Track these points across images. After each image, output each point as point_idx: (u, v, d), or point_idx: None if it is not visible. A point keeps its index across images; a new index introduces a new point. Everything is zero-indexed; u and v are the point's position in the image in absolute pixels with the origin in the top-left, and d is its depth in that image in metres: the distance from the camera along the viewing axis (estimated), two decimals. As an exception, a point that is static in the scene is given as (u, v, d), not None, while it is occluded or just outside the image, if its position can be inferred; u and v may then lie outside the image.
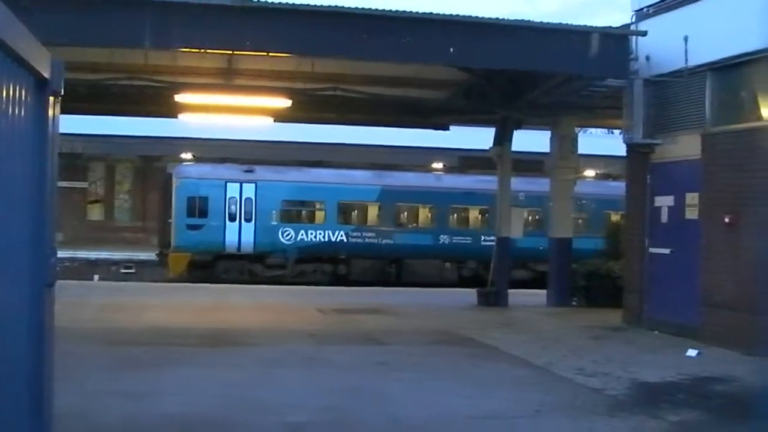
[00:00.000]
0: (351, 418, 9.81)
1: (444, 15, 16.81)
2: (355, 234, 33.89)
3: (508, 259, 24.16)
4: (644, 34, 18.03)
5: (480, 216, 34.76)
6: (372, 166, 38.19)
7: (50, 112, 5.66)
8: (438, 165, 41.75)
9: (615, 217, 30.73)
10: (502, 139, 23.73)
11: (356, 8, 16.67)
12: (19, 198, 5.12)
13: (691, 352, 14.84)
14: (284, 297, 23.75)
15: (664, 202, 17.92)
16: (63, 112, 5.94)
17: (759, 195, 14.41)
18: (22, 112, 5.07)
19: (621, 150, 20.09)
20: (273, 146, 38.53)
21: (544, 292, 23.91)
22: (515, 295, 23.60)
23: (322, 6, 16.14)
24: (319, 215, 34.56)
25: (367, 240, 33.85)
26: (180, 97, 20.69)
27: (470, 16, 16.96)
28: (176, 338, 15.24)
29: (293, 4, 16.11)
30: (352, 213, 35.36)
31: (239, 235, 32.66)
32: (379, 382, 11.92)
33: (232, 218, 32.69)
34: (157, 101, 22.24)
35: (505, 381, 12.38)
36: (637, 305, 18.59)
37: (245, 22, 16.14)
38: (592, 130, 42.77)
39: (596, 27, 18.01)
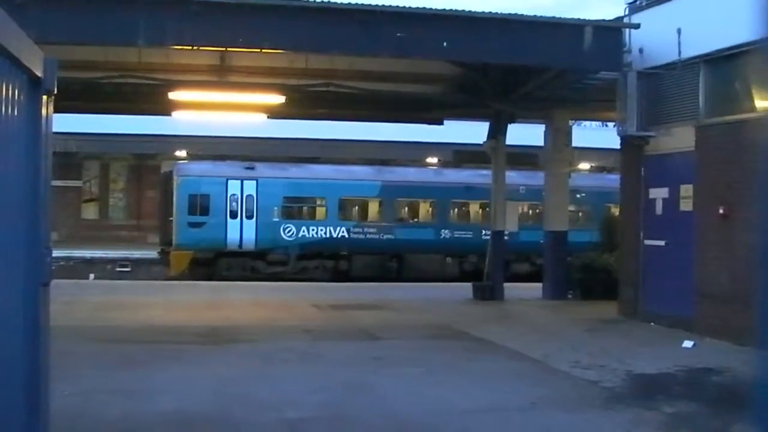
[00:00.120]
0: (348, 414, 9.82)
1: (437, 10, 16.80)
2: (356, 230, 33.88)
3: (503, 252, 24.17)
4: (637, 26, 18.03)
5: (481, 210, 34.73)
6: (366, 162, 38.18)
7: (44, 111, 5.64)
8: (432, 160, 41.72)
9: (616, 210, 30.80)
10: (497, 132, 23.73)
11: (349, 4, 16.67)
12: (13, 197, 5.11)
13: (687, 344, 14.88)
14: (280, 293, 23.74)
15: (659, 194, 17.95)
16: (57, 110, 5.93)
17: (752, 186, 14.40)
18: (16, 111, 5.06)
19: (615, 142, 20.09)
20: (267, 143, 38.51)
21: (539, 285, 23.93)
22: (511, 288, 23.62)
23: (314, 2, 16.16)
24: (320, 211, 34.53)
25: (368, 236, 33.84)
26: (174, 95, 20.68)
27: (463, 11, 16.99)
28: (172, 336, 15.25)
29: (286, 0, 16.12)
30: (353, 209, 35.35)
31: (241, 232, 32.64)
32: (375, 378, 11.93)
33: (234, 215, 32.65)
34: (150, 99, 22.22)
35: (502, 374, 12.40)
36: (633, 298, 18.62)
37: (238, 18, 16.13)
38: (587, 122, 42.73)
39: (589, 20, 18.02)
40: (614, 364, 12.96)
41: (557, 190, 24.24)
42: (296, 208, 34.55)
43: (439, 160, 41.00)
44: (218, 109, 22.41)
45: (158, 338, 14.96)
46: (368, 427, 9.36)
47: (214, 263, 32.28)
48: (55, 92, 5.79)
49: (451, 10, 16.87)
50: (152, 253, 36.21)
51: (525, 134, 26.70)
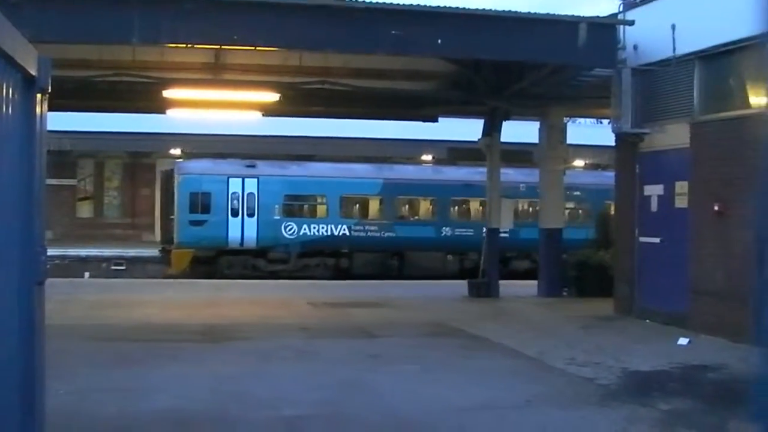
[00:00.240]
0: (344, 411, 9.82)
1: (432, 7, 16.79)
2: (357, 228, 33.87)
3: (498, 250, 24.17)
4: (632, 23, 18.04)
5: (481, 208, 34.66)
6: (362, 159, 38.13)
7: (38, 110, 5.63)
8: (427, 157, 41.72)
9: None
10: (491, 130, 23.75)
11: (344, 2, 16.66)
12: (7, 196, 5.10)
13: (682, 341, 14.90)
14: (277, 291, 23.74)
15: (654, 191, 17.96)
16: (51, 109, 5.92)
17: (748, 183, 14.44)
18: (10, 110, 5.05)
19: (610, 139, 20.12)
20: (262, 140, 38.49)
21: (535, 282, 23.94)
22: (506, 286, 23.65)
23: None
24: (321, 209, 34.55)
25: (369, 233, 33.84)
26: (168, 93, 20.65)
27: (458, 8, 16.96)
28: (168, 334, 15.24)
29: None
30: (354, 207, 35.38)
31: (242, 230, 32.62)
32: (372, 375, 11.93)
33: (235, 213, 32.64)
34: (145, 97, 22.20)
35: (497, 371, 12.41)
36: (628, 295, 18.64)
37: (232, 16, 16.11)
38: (581, 119, 42.76)
39: (584, 17, 18.01)
40: (610, 361, 12.98)
41: (552, 188, 24.24)
42: (297, 206, 34.56)
43: (433, 157, 40.99)
44: (213, 107, 22.39)
45: (154, 336, 14.96)
46: (365, 425, 9.35)
47: (216, 261, 32.29)
48: (50, 90, 5.78)
49: (445, 7, 16.86)
50: (147, 251, 36.21)
51: (520, 131, 26.72)
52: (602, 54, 18.21)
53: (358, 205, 35.47)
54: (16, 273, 5.29)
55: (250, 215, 32.69)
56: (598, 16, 19.39)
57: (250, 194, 32.83)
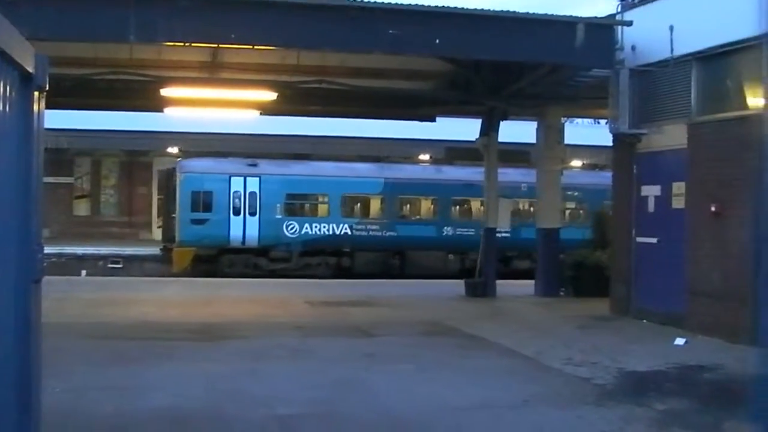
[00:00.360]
0: (339, 411, 9.81)
1: (430, 6, 16.79)
2: (359, 227, 33.90)
3: (495, 249, 24.17)
4: (629, 24, 18.04)
5: (483, 207, 34.77)
6: (359, 159, 38.15)
7: (35, 108, 5.62)
8: (425, 157, 41.72)
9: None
10: (489, 129, 23.75)
11: (342, 0, 16.65)
12: (4, 194, 5.09)
13: (679, 341, 14.90)
14: (273, 290, 23.73)
15: (651, 191, 17.97)
16: (48, 107, 5.90)
17: (745, 184, 14.45)
18: (7, 108, 5.04)
19: (607, 140, 20.11)
20: (259, 139, 38.44)
21: (532, 282, 23.95)
22: (503, 285, 23.66)
23: (307, -2, 16.15)
24: (323, 208, 34.57)
25: (370, 233, 33.87)
26: (165, 91, 20.64)
27: (456, 8, 16.96)
28: (164, 332, 15.23)
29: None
30: (356, 206, 35.42)
31: (244, 229, 32.61)
32: (367, 374, 11.94)
33: (237, 212, 32.64)
34: (142, 95, 22.19)
35: (494, 371, 12.41)
36: (625, 295, 18.64)
37: (230, 14, 16.09)
38: (579, 120, 42.79)
39: (582, 17, 18.02)
40: (606, 361, 12.98)
41: (549, 187, 24.24)
42: (299, 205, 34.59)
43: (431, 157, 41.00)
44: (210, 106, 22.39)
45: (150, 335, 14.94)
46: (360, 424, 9.35)
47: (217, 260, 32.29)
48: (47, 88, 5.77)
49: (443, 6, 16.86)
50: (144, 250, 36.19)
51: (517, 131, 26.72)
52: (600, 54, 18.21)
53: (359, 205, 35.51)
54: (13, 271, 5.28)
55: (252, 214, 32.70)
56: (596, 17, 19.40)
57: (252, 193, 32.84)
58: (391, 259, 33.78)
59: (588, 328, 16.98)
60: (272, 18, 16.40)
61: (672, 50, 17.04)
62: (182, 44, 17.61)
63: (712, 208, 15.60)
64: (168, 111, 23.57)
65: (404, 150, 41.28)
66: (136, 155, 44.79)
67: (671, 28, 16.99)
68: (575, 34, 17.43)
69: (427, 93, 24.07)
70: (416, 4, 16.69)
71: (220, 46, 18.45)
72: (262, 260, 32.66)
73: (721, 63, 16.20)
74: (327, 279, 29.45)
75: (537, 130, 24.05)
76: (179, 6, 15.51)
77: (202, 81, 21.15)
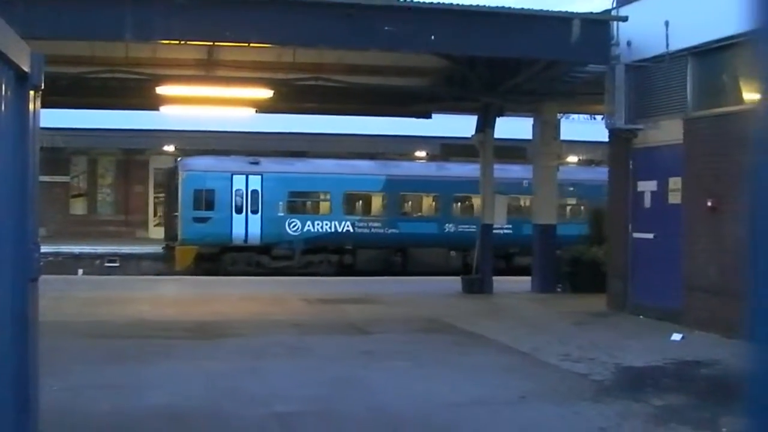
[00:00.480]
0: (337, 408, 9.82)
1: (425, 3, 16.81)
2: (360, 224, 33.93)
3: (491, 246, 24.16)
4: (625, 19, 18.04)
5: None
6: (354, 155, 38.16)
7: (31, 106, 5.62)
8: (421, 153, 41.73)
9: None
10: (485, 126, 23.74)
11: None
12: (0, 193, 5.09)
13: (676, 337, 14.92)
14: (270, 288, 23.71)
15: (647, 187, 17.98)
16: (44, 105, 5.91)
17: (741, 178, 14.44)
18: (2, 107, 5.04)
19: (603, 135, 20.13)
20: (256, 137, 38.42)
21: (528, 278, 23.96)
22: (500, 281, 23.66)
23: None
24: (325, 206, 34.59)
25: (372, 230, 33.89)
26: (161, 90, 20.63)
27: (451, 4, 16.96)
28: (161, 331, 15.22)
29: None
30: (358, 203, 35.45)
31: (246, 227, 32.62)
32: (365, 372, 11.94)
33: (239, 210, 32.64)
34: (138, 94, 22.18)
35: (491, 368, 12.41)
36: (621, 290, 18.66)
37: (226, 12, 16.09)
38: (575, 115, 42.79)
39: (577, 13, 18.06)
40: (603, 357, 12.99)
41: (546, 183, 24.24)
42: (301, 202, 34.63)
43: (427, 153, 41.01)
44: (206, 104, 22.40)
45: (147, 333, 14.94)
46: (358, 421, 9.36)
47: (220, 258, 32.29)
48: (43, 87, 5.77)
49: (439, 3, 16.86)
50: (140, 248, 36.17)
51: (513, 127, 26.72)
52: (596, 50, 18.23)
53: (361, 202, 35.53)
54: (10, 270, 5.28)
55: (254, 212, 32.71)
56: (591, 12, 19.43)
57: (254, 191, 32.85)
58: (393, 256, 33.79)
59: (585, 324, 16.99)
60: (268, 15, 16.40)
61: (667, 45, 17.05)
62: (178, 42, 17.61)
63: (709, 203, 15.61)
64: (164, 109, 23.59)
65: (400, 147, 41.28)
66: (133, 154, 44.73)
67: (667, 24, 17.00)
68: (571, 30, 17.44)
69: (423, 90, 24.07)
70: (412, 1, 16.71)
71: (216, 43, 18.45)
72: (265, 258, 32.67)
73: (716, 58, 16.21)
74: (329, 277, 29.45)
75: (533, 126, 24.03)
76: (176, 4, 15.50)
77: (198, 79, 21.14)
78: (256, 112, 24.08)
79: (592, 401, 10.19)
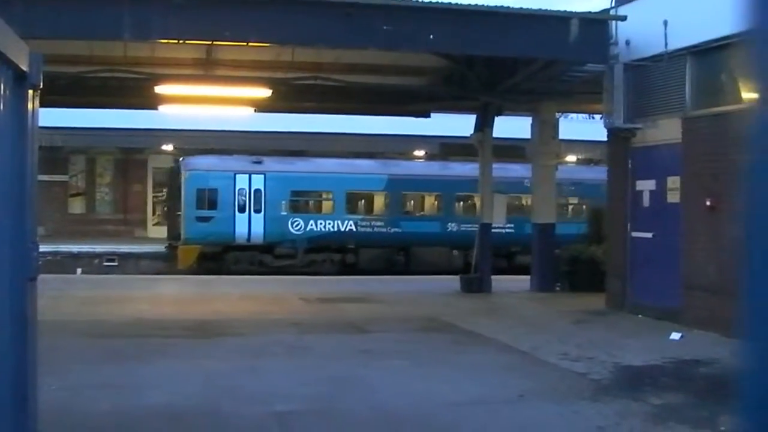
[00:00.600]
0: (336, 407, 9.83)
1: (423, 2, 16.83)
2: (363, 223, 33.94)
3: (490, 245, 24.16)
4: (624, 18, 18.05)
5: None
6: (352, 155, 38.15)
7: (29, 106, 5.63)
8: (419, 152, 41.73)
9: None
10: (483, 125, 23.75)
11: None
12: (-1, 192, 5.10)
13: (675, 336, 14.92)
14: (269, 287, 23.71)
15: (646, 186, 17.99)
16: (42, 105, 5.91)
17: (739, 177, 14.44)
18: (1, 106, 5.04)
19: (602, 135, 20.14)
20: (254, 136, 38.37)
21: (527, 277, 23.96)
22: (499, 280, 23.66)
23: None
24: (328, 205, 34.64)
25: (375, 229, 33.91)
26: (160, 89, 20.62)
27: (449, 3, 16.96)
28: (160, 330, 15.21)
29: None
30: (360, 202, 35.47)
31: (249, 226, 32.64)
32: (364, 370, 11.94)
33: (242, 209, 32.66)
34: (137, 93, 22.17)
35: (490, 367, 12.42)
36: (620, 289, 18.66)
37: (224, 12, 16.09)
38: (573, 115, 42.78)
39: (576, 12, 18.07)
40: (602, 356, 13.00)
41: (544, 182, 24.25)
42: (304, 201, 34.67)
43: (426, 152, 41.01)
44: (205, 103, 22.39)
45: (146, 332, 14.94)
46: (357, 420, 9.37)
47: (222, 257, 32.30)
48: (41, 87, 5.78)
49: (437, 2, 16.88)
50: (139, 247, 36.16)
51: (512, 127, 26.72)
52: (594, 49, 18.24)
53: (364, 201, 35.56)
54: (8, 269, 5.29)
55: (257, 211, 32.74)
56: (590, 12, 19.42)
57: (257, 190, 32.87)
58: (395, 255, 33.81)
59: (584, 323, 17.00)
60: (267, 15, 16.40)
61: (666, 45, 17.06)
62: (176, 42, 17.60)
63: (707, 202, 15.62)
64: (163, 108, 23.57)
65: (399, 146, 41.27)
66: (131, 153, 44.69)
67: (665, 23, 17.00)
68: (569, 29, 17.44)
69: (422, 89, 24.06)
70: (411, 0, 16.69)
71: (215, 43, 18.44)
72: (267, 257, 32.68)
73: (715, 57, 16.20)
74: (332, 276, 29.46)
75: (531, 125, 24.02)
76: (174, 3, 15.49)
77: (197, 78, 21.13)
78: (255, 111, 24.07)
79: (590, 400, 10.20)
